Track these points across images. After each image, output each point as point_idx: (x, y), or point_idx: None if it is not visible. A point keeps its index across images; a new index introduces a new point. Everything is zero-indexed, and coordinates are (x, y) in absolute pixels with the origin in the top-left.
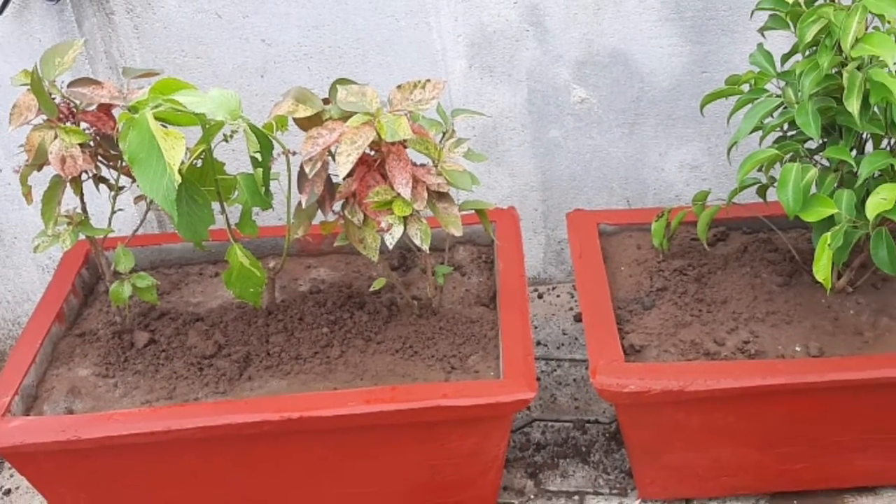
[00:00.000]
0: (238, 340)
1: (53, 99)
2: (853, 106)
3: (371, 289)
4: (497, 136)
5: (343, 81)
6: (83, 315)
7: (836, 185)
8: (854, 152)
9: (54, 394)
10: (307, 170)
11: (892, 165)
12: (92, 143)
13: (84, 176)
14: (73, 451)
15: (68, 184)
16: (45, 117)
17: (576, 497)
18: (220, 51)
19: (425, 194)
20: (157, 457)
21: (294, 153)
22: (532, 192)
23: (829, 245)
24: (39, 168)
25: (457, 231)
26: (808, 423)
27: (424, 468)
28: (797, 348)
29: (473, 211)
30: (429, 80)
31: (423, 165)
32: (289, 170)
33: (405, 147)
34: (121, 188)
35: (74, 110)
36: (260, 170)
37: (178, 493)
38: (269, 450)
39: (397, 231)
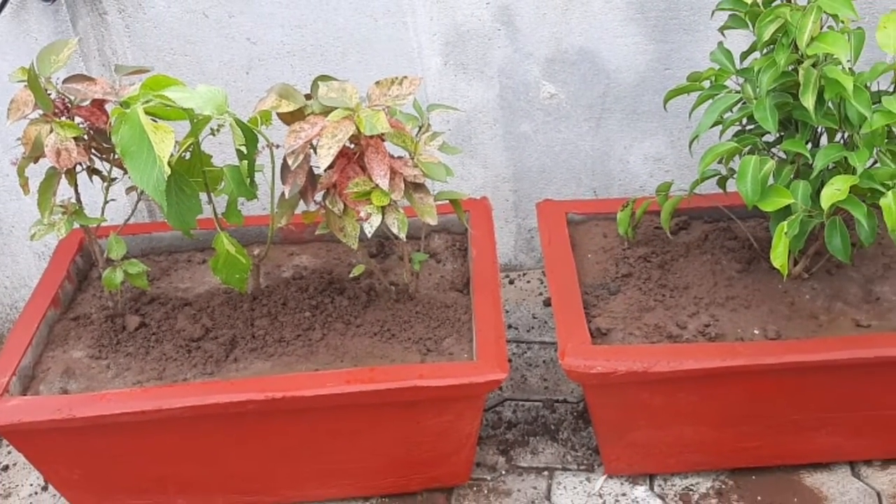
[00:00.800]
0: (224, 324)
1: (49, 95)
2: (808, 101)
3: (351, 275)
4: (471, 130)
5: (324, 78)
6: (77, 300)
7: (792, 176)
8: (809, 145)
9: (50, 374)
10: (290, 162)
11: (845, 158)
12: (86, 137)
13: (78, 168)
14: (68, 429)
15: (63, 175)
16: (41, 112)
17: (545, 473)
18: (208, 49)
19: (402, 185)
20: (148, 434)
21: (277, 146)
22: (504, 183)
23: (785, 233)
24: (36, 160)
25: (432, 220)
26: (765, 403)
27: (401, 445)
28: (755, 331)
29: (448, 201)
30: (406, 77)
31: (400, 158)
32: (273, 162)
33: (383, 140)
34: (113, 179)
35: (69, 105)
36: (245, 162)
37: (168, 468)
38: (254, 428)
39: (376, 220)
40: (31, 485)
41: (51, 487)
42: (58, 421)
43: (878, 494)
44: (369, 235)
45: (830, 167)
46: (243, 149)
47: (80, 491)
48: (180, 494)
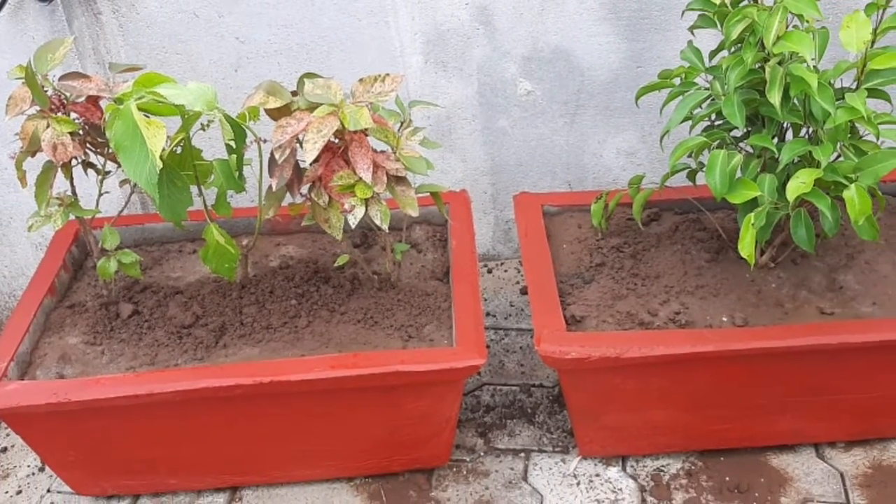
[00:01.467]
0: (214, 311)
1: (46, 91)
2: (775, 98)
3: (335, 265)
4: (450, 126)
5: (310, 75)
6: (73, 288)
7: (759, 170)
8: (775, 140)
9: (46, 360)
10: (277, 156)
11: (810, 152)
12: (81, 132)
13: (74, 161)
14: (64, 412)
15: (59, 169)
16: (38, 108)
17: (522, 454)
18: (198, 47)
19: (385, 178)
20: (140, 417)
21: (265, 141)
22: (482, 176)
23: (752, 224)
24: (33, 154)
25: (413, 212)
26: (733, 387)
27: (384, 428)
28: (724, 319)
29: (429, 193)
30: (388, 75)
31: (382, 152)
32: (260, 156)
33: (366, 135)
34: (107, 173)
35: (65, 102)
36: (234, 156)
37: (159, 450)
38: (242, 411)
39: (359, 212)
40: (29, 466)
41: (47, 468)
42: (54, 405)
43: (842, 475)
44: (353, 226)
45: (796, 161)
46: (232, 143)
47: (76, 472)
48: (172, 475)
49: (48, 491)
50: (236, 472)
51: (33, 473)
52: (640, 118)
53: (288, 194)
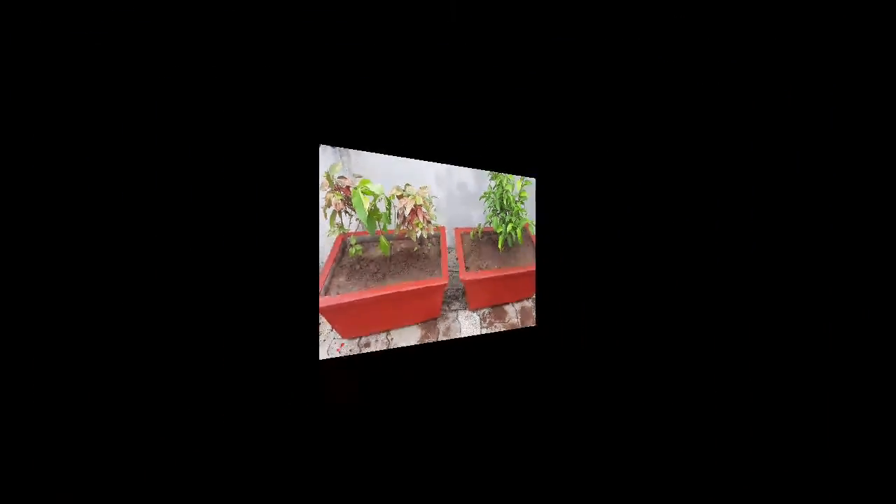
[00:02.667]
0: (386, 263)
1: (333, 182)
2: None
3: (414, 249)
4: None
5: (408, 185)
6: (341, 262)
7: None
8: None
9: (332, 288)
10: (398, 209)
11: None
12: (342, 199)
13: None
14: (340, 305)
15: (336, 212)
16: (328, 189)
17: None
18: (381, 172)
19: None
20: (368, 307)
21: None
22: None
23: None
24: (328, 206)
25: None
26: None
27: None
28: None
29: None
30: (426, 186)
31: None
32: (388, 210)
33: (421, 206)
34: (350, 215)
35: (339, 186)
36: (385, 212)
37: (374, 320)
38: (395, 303)
39: (420, 231)
40: (330, 330)
41: (334, 330)
42: (336, 305)
43: None
44: (417, 237)
45: None
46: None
47: (343, 328)
48: (379, 327)
49: (333, 339)
50: (391, 325)
51: (330, 331)
52: None
53: (404, 225)
